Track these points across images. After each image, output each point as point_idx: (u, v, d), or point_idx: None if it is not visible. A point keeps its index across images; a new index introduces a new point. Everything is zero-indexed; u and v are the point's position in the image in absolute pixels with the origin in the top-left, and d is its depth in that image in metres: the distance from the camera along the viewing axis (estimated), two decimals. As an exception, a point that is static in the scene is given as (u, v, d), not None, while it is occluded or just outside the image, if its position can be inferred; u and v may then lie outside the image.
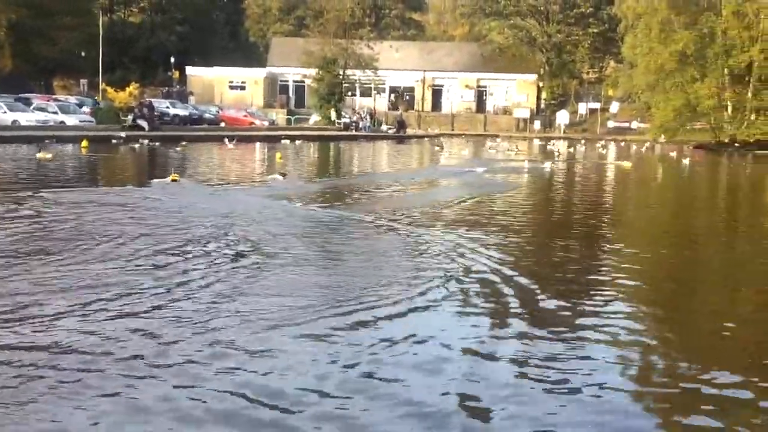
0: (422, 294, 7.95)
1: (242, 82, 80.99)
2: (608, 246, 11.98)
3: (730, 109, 57.06)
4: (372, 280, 8.53)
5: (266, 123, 61.19)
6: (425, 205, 16.30)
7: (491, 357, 6.00)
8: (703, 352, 6.59)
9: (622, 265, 10.16)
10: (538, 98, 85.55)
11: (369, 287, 8.13)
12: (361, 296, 7.71)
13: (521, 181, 25.38)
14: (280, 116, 71.69)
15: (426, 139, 61.54)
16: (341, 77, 69.10)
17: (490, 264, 9.64)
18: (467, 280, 8.72)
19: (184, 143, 37.09)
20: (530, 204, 18.77)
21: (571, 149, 51.60)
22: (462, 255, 10.18)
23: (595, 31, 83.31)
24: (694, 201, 22.13)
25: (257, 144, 42.85)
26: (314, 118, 68.47)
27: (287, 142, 44.60)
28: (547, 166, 29.80)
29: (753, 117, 55.84)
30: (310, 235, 11.64)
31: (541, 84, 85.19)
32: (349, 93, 75.02)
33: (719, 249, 12.75)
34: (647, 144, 60.12)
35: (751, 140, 54.79)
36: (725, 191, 26.11)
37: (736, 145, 55.44)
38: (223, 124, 57.64)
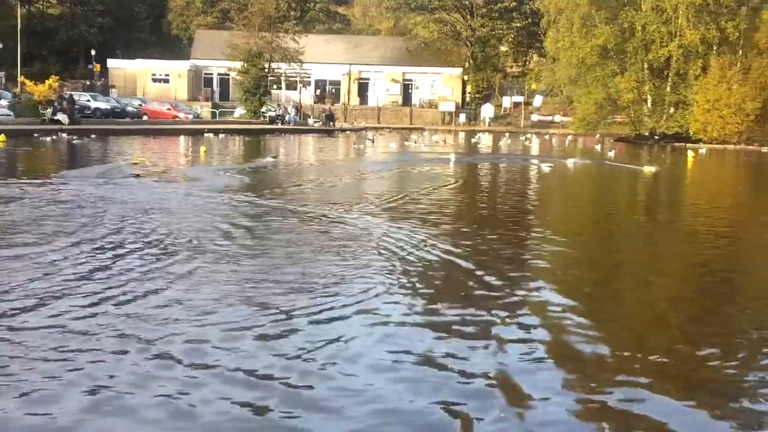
0: (348, 281, 7.95)
1: (165, 75, 79.85)
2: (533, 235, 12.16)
3: (649, 102, 58.38)
4: (311, 269, 8.48)
5: (190, 116, 60.37)
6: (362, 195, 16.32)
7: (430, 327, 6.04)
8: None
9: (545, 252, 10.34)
10: (464, 92, 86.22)
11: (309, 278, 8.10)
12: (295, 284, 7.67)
13: (440, 172, 25.58)
14: (204, 110, 70.90)
15: (354, 132, 61.48)
16: (267, 70, 68.55)
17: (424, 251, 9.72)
18: (396, 267, 8.76)
19: (93, 136, 36.76)
20: (460, 197, 18.92)
21: (501, 141, 52.19)
22: (395, 244, 10.23)
23: (519, 25, 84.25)
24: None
25: (181, 137, 42.21)
26: (239, 111, 67.84)
27: (210, 135, 44.09)
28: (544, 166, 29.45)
29: (671, 110, 57.20)
30: (238, 226, 11.54)
31: (466, 78, 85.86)
32: (275, 86, 74.51)
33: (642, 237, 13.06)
34: (569, 137, 61.10)
35: (670, 133, 56.18)
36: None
37: (656, 137, 56.76)
38: (146, 118, 56.73)
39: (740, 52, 55.24)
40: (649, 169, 24.64)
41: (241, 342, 5.94)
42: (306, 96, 79.22)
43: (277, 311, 6.81)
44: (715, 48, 54.79)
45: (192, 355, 5.57)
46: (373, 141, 45.37)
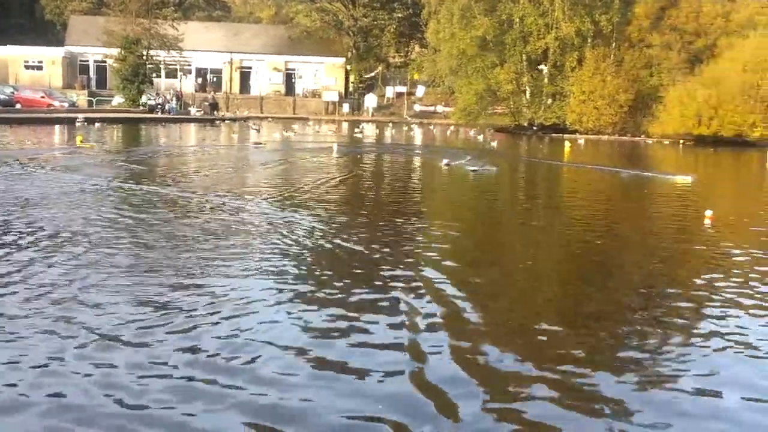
0: (231, 266, 7.93)
1: (39, 62, 77.02)
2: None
3: (528, 93, 59.72)
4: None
5: (66, 105, 58.36)
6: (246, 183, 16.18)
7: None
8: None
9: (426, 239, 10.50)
10: (347, 81, 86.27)
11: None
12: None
13: (322, 161, 25.62)
14: (80, 98, 68.65)
15: (236, 121, 60.65)
16: (145, 58, 66.91)
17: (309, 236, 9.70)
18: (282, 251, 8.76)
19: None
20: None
21: (385, 131, 52.46)
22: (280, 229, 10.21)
23: (400, 15, 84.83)
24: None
25: (56, 127, 40.78)
26: (117, 99, 66.07)
27: (84, 124, 42.75)
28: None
29: (549, 102, 58.70)
30: (120, 215, 11.29)
31: (349, 67, 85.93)
32: (155, 74, 72.82)
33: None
34: (451, 127, 61.95)
35: (548, 123, 57.70)
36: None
37: (534, 128, 58.18)
38: (18, 106, 54.57)
39: (614, 44, 57.18)
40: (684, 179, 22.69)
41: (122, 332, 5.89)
42: (187, 84, 77.79)
43: (155, 301, 6.73)
44: (589, 40, 56.52)
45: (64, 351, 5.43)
46: (258, 130, 44.98)
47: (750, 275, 9.20)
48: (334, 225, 11.58)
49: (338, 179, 20.10)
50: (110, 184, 15.71)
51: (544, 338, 6.46)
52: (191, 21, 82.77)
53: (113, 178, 17.16)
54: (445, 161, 23.94)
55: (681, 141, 50.97)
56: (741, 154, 43.11)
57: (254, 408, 4.75)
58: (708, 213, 13.59)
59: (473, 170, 21.82)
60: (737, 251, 10.84)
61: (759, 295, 8.14)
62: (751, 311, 7.51)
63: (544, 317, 7.02)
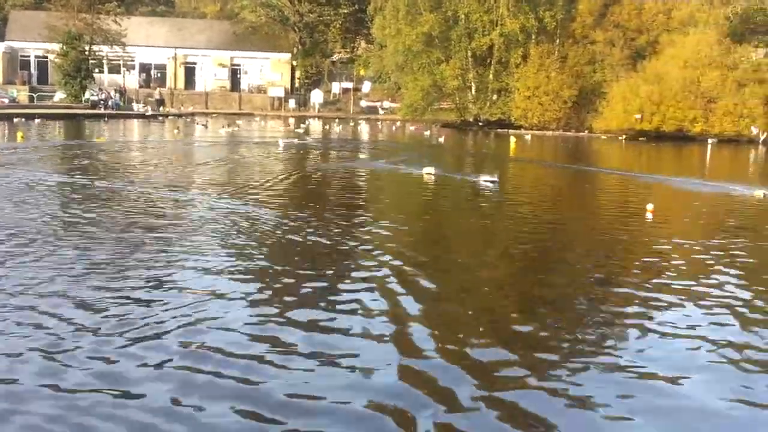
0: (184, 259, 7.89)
1: (-22, 57, 75.43)
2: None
3: (473, 89, 60.00)
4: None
5: (6, 100, 57.26)
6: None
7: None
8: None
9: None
10: (293, 77, 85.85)
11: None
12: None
13: (268, 156, 25.53)
14: (21, 94, 67.30)
15: (181, 117, 60.00)
16: (87, 53, 65.82)
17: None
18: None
19: None
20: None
21: (327, 126, 52.32)
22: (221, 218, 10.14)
23: (346, 11, 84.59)
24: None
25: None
26: (59, 95, 64.88)
27: (22, 120, 41.91)
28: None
29: (495, 97, 59.08)
30: (64, 210, 11.12)
31: (295, 63, 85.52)
32: (97, 70, 71.69)
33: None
34: (397, 123, 62.03)
35: (493, 119, 58.09)
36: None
37: (480, 123, 58.53)
38: (-45, 102, 53.44)
39: (557, 41, 57.76)
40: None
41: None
42: (131, 80, 76.74)
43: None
44: (534, 37, 56.96)
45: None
46: (206, 126, 44.62)
47: (683, 262, 9.73)
48: (278, 218, 11.52)
49: (282, 175, 20.02)
50: (48, 180, 15.43)
51: (496, 326, 6.53)
52: (135, 16, 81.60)
53: (53, 173, 16.87)
54: (427, 170, 20.17)
55: (623, 136, 51.71)
56: (682, 148, 43.92)
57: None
58: (649, 207, 13.87)
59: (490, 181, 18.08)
60: (674, 240, 11.29)
61: (690, 281, 8.60)
62: (684, 295, 7.93)
63: (497, 306, 7.12)
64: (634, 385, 5.42)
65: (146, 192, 14.18)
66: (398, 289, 7.66)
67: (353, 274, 8.34)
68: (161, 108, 64.34)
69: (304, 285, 7.67)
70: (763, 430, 4.97)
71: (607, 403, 5.06)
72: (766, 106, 52.24)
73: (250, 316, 6.55)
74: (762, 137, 49.89)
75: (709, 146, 46.28)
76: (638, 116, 51.73)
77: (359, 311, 6.82)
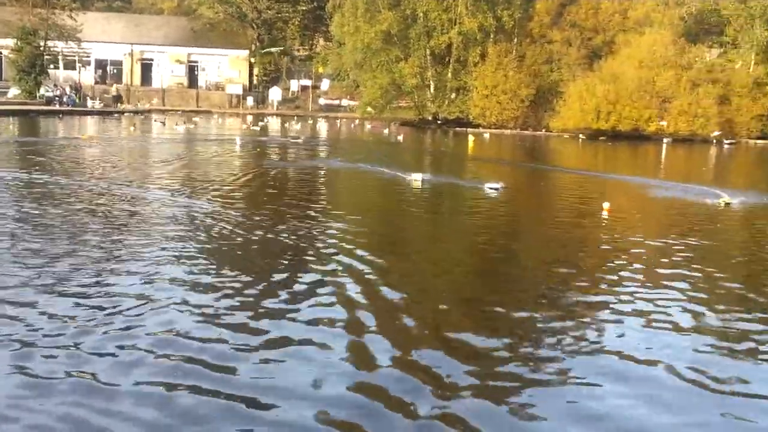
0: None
1: (-71, 53, 74.01)
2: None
3: (432, 88, 60.13)
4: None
5: (-43, 96, 56.30)
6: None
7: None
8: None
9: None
10: (251, 74, 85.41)
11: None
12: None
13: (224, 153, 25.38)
14: (-26, 89, 66.23)
15: (137, 114, 59.37)
16: (42, 49, 64.91)
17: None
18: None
19: None
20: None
21: (287, 124, 52.13)
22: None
23: (305, 8, 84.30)
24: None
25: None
26: (14, 91, 63.87)
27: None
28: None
29: (453, 96, 59.29)
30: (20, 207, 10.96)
31: (253, 60, 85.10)
32: (52, 65, 70.72)
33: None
34: (356, 121, 62.01)
35: (452, 117, 58.30)
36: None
37: (438, 122, 58.71)
38: None
39: (515, 40, 58.12)
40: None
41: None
42: (87, 76, 75.78)
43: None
44: (492, 36, 57.24)
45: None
46: (164, 123, 44.25)
47: (636, 256, 10.02)
48: (237, 215, 11.45)
49: (239, 173, 19.93)
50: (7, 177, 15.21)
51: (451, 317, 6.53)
52: (90, 11, 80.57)
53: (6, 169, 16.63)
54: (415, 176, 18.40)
55: (580, 135, 52.19)
56: (638, 147, 44.45)
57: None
58: (605, 205, 14.04)
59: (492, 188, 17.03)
60: (630, 238, 11.51)
61: (644, 271, 8.95)
62: (640, 285, 8.22)
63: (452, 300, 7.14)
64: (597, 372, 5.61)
65: (101, 189, 14.02)
66: (351, 288, 7.67)
67: (307, 276, 8.28)
68: (119, 104, 63.64)
69: (260, 282, 7.63)
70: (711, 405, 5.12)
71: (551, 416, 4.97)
72: (719, 106, 53.11)
73: (198, 317, 6.49)
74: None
75: (665, 145, 46.92)
76: (664, 123, 52.13)
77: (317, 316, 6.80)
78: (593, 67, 56.45)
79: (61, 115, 50.58)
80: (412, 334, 6.37)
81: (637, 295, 7.91)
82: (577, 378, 5.55)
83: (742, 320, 7.17)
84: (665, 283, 8.49)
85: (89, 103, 63.69)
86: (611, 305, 7.48)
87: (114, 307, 6.53)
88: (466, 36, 56.78)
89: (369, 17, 57.64)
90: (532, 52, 57.35)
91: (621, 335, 6.55)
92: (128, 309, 6.49)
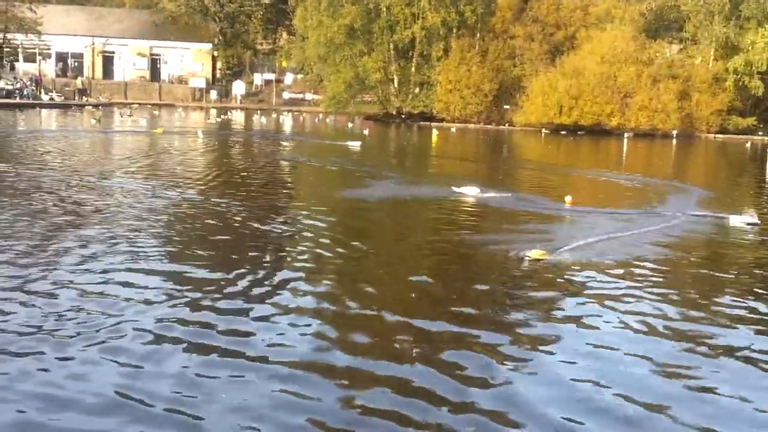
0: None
1: None
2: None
3: (396, 82, 60.19)
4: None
5: None
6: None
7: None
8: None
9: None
10: (214, 68, 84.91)
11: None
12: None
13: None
14: (-69, 83, 65.13)
15: (99, 107, 58.74)
16: (2, 42, 64.06)
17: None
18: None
19: None
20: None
21: (255, 118, 51.96)
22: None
23: (267, 2, 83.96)
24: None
25: None
26: (-26, 84, 63.00)
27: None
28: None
29: (417, 90, 59.41)
30: None
31: (216, 53, 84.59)
32: (12, 58, 69.83)
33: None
34: (320, 115, 61.88)
35: (416, 112, 58.43)
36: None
37: (403, 116, 58.81)
38: None
39: (478, 35, 58.35)
40: None
41: None
42: (48, 69, 74.89)
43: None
44: (455, 31, 57.44)
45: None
46: (131, 115, 44.03)
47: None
48: (205, 206, 11.51)
49: (203, 165, 19.93)
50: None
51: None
52: (51, 4, 79.55)
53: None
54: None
55: (543, 130, 52.61)
56: (599, 141, 44.94)
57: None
58: (567, 199, 14.36)
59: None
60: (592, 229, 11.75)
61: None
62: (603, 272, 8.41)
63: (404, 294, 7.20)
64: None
65: (62, 181, 13.97)
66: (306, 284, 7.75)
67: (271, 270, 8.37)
68: (84, 98, 62.92)
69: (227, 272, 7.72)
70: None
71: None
72: (679, 102, 53.81)
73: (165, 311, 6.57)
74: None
75: (626, 140, 47.48)
76: None
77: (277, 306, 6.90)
78: (555, 63, 56.85)
79: (21, 109, 49.96)
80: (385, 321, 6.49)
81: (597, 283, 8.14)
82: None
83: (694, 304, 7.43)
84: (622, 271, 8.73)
85: (45, 96, 62.60)
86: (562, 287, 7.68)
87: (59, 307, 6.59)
88: (429, 31, 56.86)
89: (332, 11, 57.48)
90: (494, 47, 57.61)
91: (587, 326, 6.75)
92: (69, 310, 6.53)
